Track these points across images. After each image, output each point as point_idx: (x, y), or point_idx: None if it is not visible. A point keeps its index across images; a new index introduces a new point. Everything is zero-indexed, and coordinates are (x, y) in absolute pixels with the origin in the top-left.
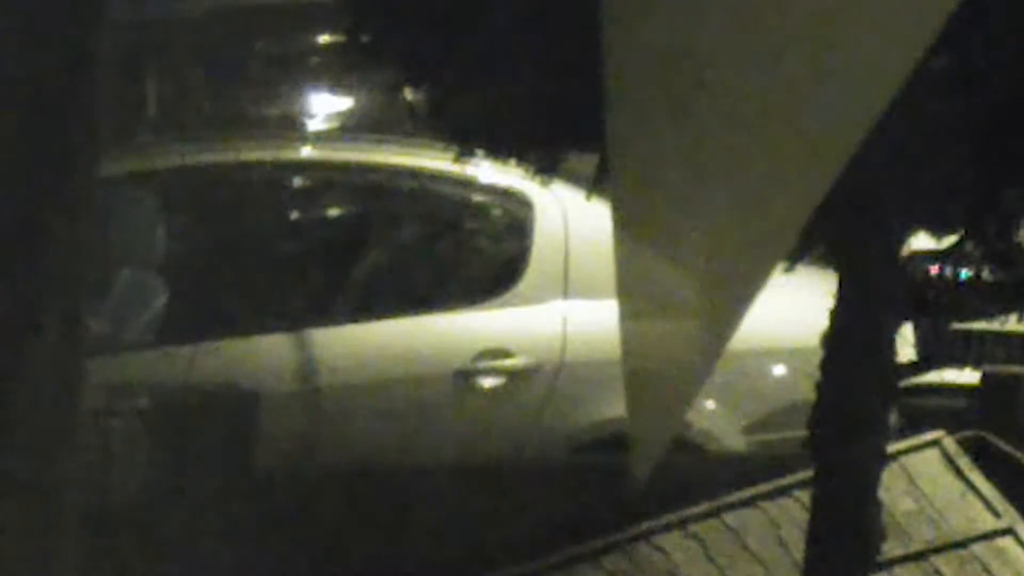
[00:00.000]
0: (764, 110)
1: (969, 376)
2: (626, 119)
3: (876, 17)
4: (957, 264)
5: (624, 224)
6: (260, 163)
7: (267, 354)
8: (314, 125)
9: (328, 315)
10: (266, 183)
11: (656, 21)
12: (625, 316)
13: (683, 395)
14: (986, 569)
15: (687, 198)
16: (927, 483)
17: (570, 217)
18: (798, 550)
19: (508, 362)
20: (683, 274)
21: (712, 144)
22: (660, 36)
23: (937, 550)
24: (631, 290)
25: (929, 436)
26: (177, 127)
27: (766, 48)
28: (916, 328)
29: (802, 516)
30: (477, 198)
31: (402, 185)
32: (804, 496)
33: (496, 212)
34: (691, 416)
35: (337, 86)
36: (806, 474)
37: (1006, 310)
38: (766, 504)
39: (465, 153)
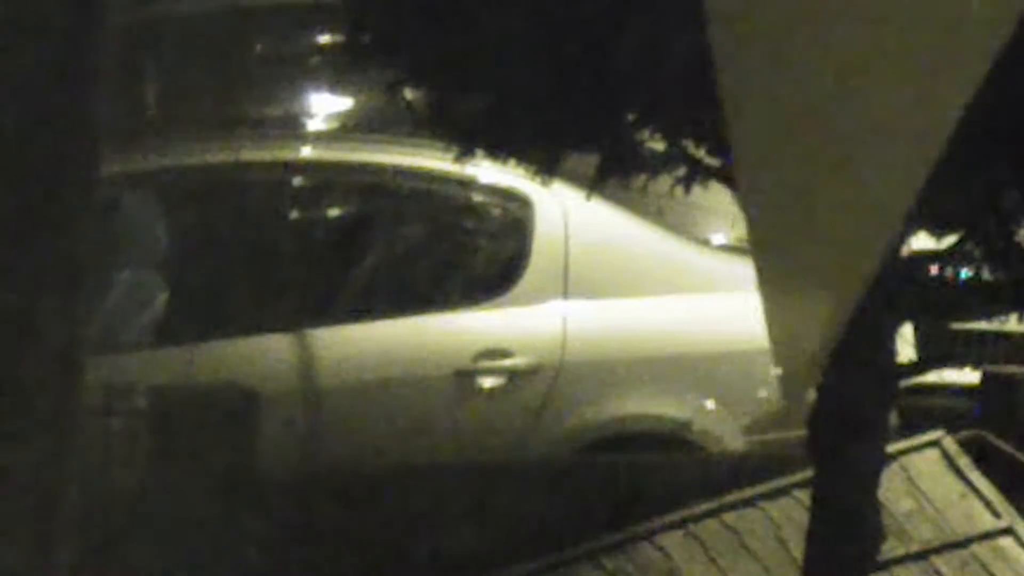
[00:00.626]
0: (880, 95)
1: (969, 376)
2: (748, 108)
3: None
4: (957, 264)
5: (754, 205)
6: (260, 163)
7: (267, 354)
8: (314, 125)
9: (328, 315)
10: (266, 183)
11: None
12: (762, 277)
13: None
14: (986, 569)
15: (814, 171)
16: (927, 483)
17: (570, 217)
18: (798, 550)
19: (508, 362)
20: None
21: (831, 134)
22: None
23: (937, 550)
24: (769, 253)
25: (929, 436)
26: (177, 127)
27: (881, 36)
28: (916, 328)
29: (802, 516)
30: (477, 198)
31: (402, 185)
32: (804, 496)
33: (496, 212)
34: (691, 416)
35: (337, 86)
36: (806, 474)
37: (1006, 310)
38: (766, 504)
39: (465, 153)
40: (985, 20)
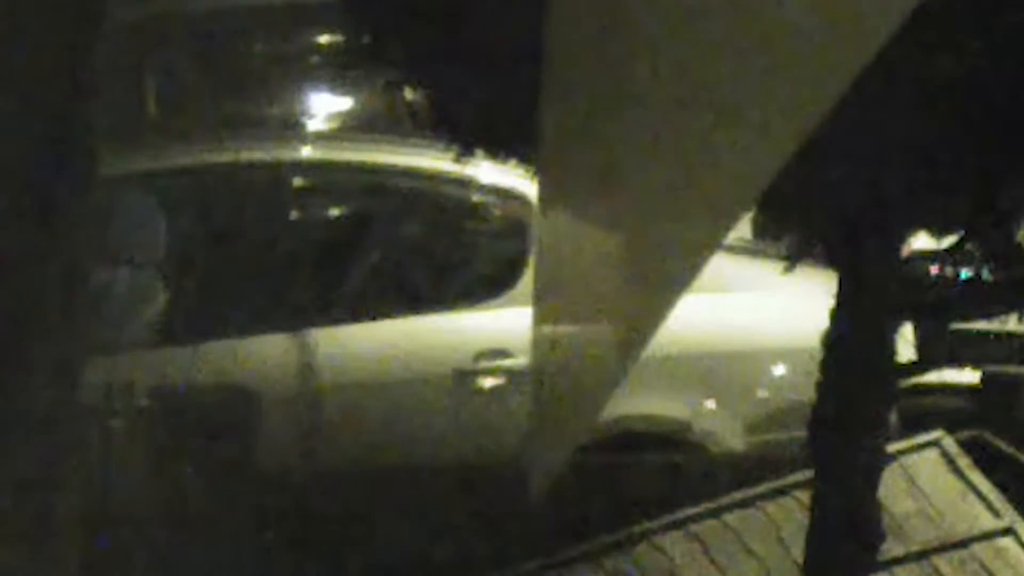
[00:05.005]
0: (694, 112)
1: (969, 376)
2: (556, 120)
3: (826, 11)
4: (957, 264)
5: (549, 225)
6: (260, 163)
7: (267, 354)
8: (314, 125)
9: (328, 315)
10: (266, 183)
11: (597, 19)
12: (539, 322)
13: (592, 406)
14: (986, 569)
15: (611, 199)
16: (927, 483)
17: None
18: (798, 550)
19: (508, 362)
20: (605, 278)
21: (637, 146)
22: (600, 34)
23: (937, 550)
24: (549, 295)
25: (929, 436)
26: (177, 127)
27: (703, 47)
28: (916, 328)
29: (802, 516)
30: (477, 198)
31: (402, 185)
32: (804, 496)
33: (496, 212)
34: (691, 416)
35: (337, 86)
36: (806, 474)
37: (1006, 310)
38: (766, 504)
39: (465, 153)
40: (858, 19)
